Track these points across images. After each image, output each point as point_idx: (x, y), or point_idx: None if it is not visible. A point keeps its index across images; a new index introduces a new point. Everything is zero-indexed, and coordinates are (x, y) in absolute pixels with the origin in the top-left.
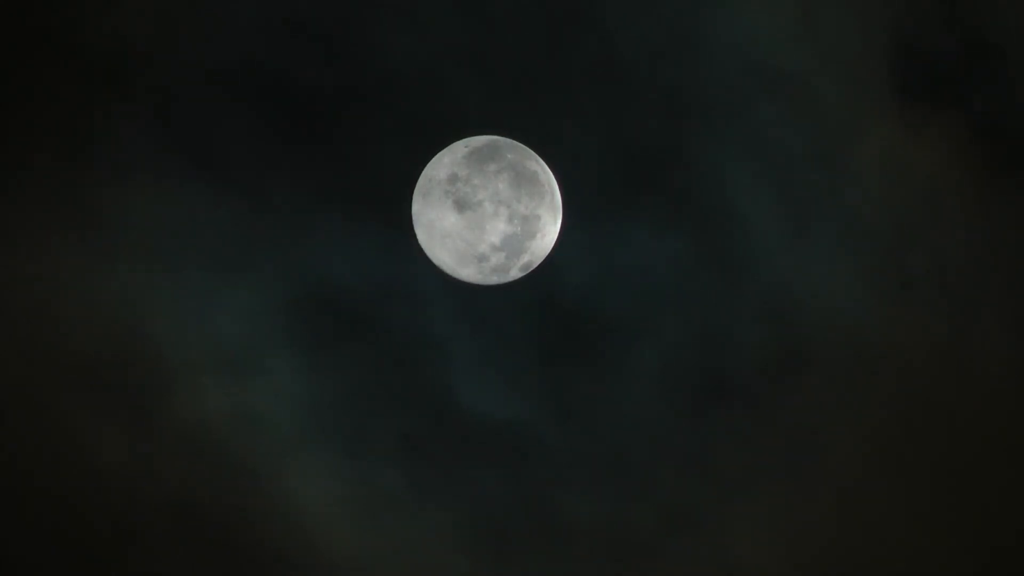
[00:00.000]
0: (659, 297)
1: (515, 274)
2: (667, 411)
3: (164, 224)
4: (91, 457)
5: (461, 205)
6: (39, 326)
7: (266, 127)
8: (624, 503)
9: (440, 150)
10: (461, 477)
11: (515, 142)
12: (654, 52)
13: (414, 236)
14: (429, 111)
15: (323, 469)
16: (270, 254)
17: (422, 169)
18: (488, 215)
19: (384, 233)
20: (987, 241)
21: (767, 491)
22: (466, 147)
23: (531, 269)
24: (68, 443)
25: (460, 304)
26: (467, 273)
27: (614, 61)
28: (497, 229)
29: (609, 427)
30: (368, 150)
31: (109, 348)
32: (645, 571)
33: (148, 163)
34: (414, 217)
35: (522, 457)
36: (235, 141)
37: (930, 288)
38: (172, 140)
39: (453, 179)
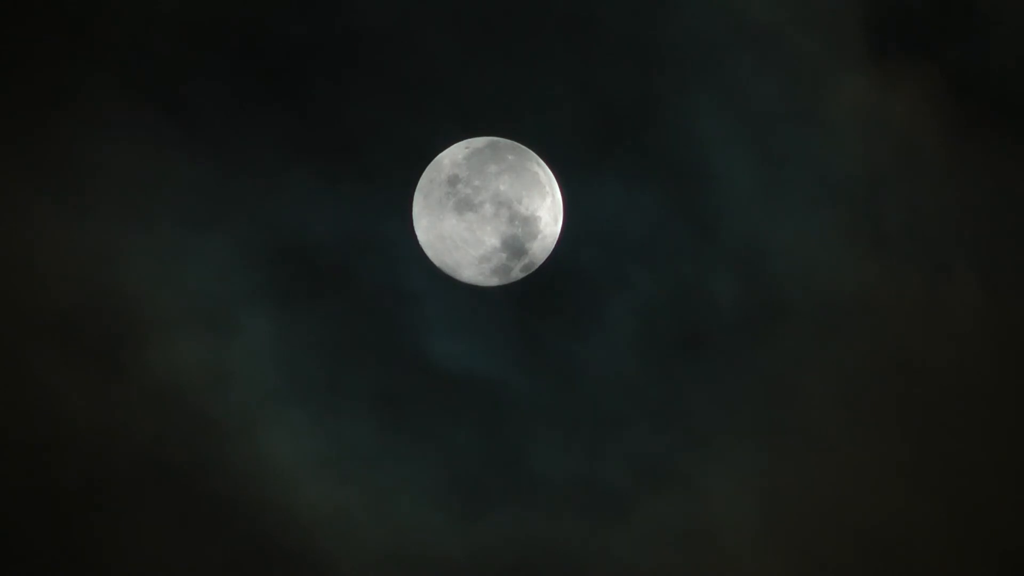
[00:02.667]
0: (633, 251)
1: (516, 275)
2: (641, 365)
3: (138, 179)
4: (63, 410)
5: (462, 207)
6: (11, 280)
7: (241, 83)
8: (598, 456)
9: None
10: (435, 431)
11: (516, 143)
12: (627, 6)
13: (386, 190)
14: (411, 70)
15: (296, 423)
16: (244, 210)
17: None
18: (488, 216)
19: (358, 189)
20: (961, 193)
21: (741, 443)
22: (467, 148)
23: (532, 270)
24: (40, 396)
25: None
26: (468, 274)
27: (587, 16)
28: (498, 230)
29: (583, 381)
30: (343, 106)
31: (82, 302)
32: (618, 524)
33: (122, 118)
34: (415, 219)
35: (496, 411)
36: (209, 97)
37: (904, 241)
38: (146, 95)
39: (454, 180)
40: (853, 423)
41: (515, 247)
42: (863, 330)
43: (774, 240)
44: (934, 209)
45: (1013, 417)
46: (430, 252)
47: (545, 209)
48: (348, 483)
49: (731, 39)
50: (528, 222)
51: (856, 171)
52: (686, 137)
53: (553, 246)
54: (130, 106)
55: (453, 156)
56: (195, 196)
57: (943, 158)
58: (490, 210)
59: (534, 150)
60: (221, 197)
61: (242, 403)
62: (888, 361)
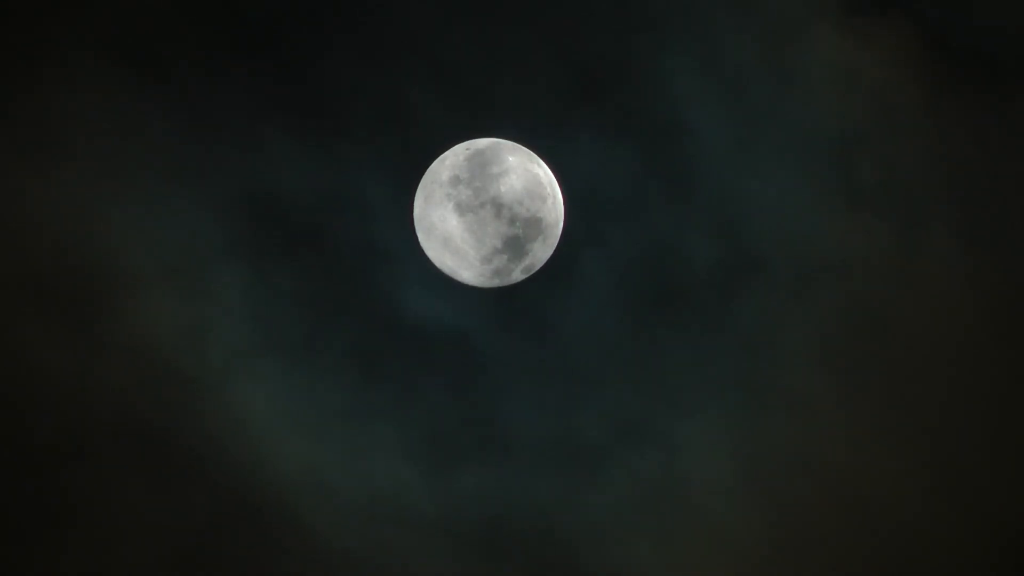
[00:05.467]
0: (608, 209)
1: (517, 276)
2: (617, 322)
3: (111, 134)
4: (36, 367)
5: (462, 208)
6: None
7: (215, 38)
8: (572, 414)
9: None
10: (409, 388)
11: (517, 144)
12: None
13: (362, 146)
14: (384, 25)
15: (270, 379)
16: (218, 166)
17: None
18: (490, 217)
19: (332, 145)
20: (937, 151)
21: (717, 400)
22: (467, 149)
23: (533, 271)
24: (12, 353)
25: (407, 215)
26: (468, 276)
27: None
28: (499, 232)
29: (558, 339)
30: (317, 60)
31: (54, 259)
32: (593, 481)
33: (96, 72)
34: (416, 220)
35: (470, 369)
36: (184, 50)
37: (879, 198)
38: (120, 49)
39: (455, 181)
40: (829, 380)
41: (516, 249)
42: (839, 287)
43: (750, 197)
44: (910, 166)
45: (990, 373)
46: (431, 253)
47: (546, 211)
48: (322, 439)
49: None
50: (529, 224)
51: (832, 128)
52: (661, 95)
53: (554, 247)
54: (102, 62)
55: (454, 158)
56: (168, 152)
57: (919, 115)
58: (491, 211)
59: (507, 111)
60: (195, 153)
61: (216, 359)
62: (864, 318)
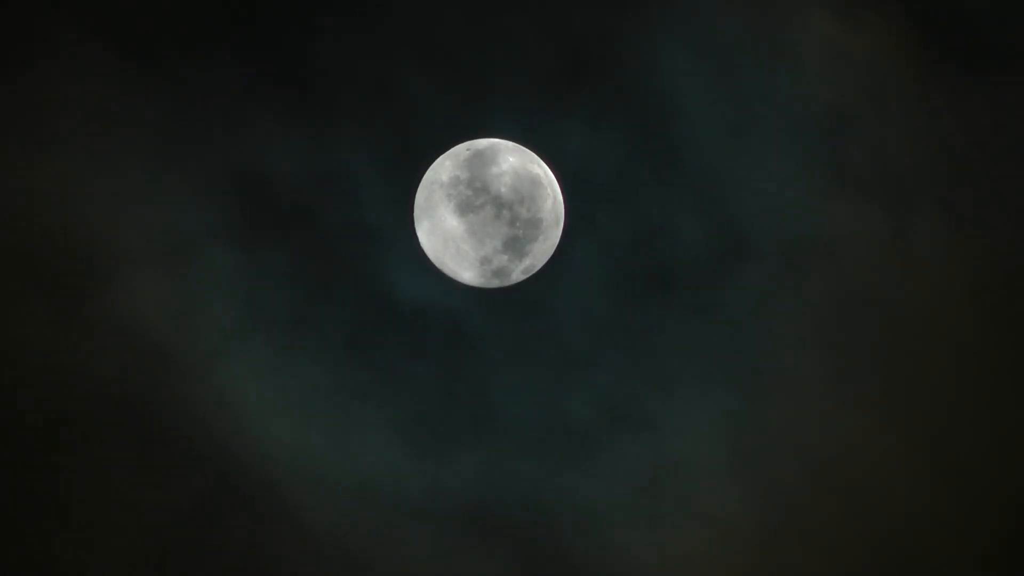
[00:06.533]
0: (597, 190)
1: (517, 277)
2: (607, 305)
3: (99, 115)
4: (22, 348)
5: (463, 209)
6: None
7: (206, 16)
8: (563, 396)
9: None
10: (399, 370)
11: (518, 145)
12: None
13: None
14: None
15: (259, 360)
16: (206, 145)
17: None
18: (490, 218)
19: (321, 125)
20: (927, 132)
21: (708, 382)
22: (468, 150)
23: (533, 272)
24: None
25: (396, 195)
26: (469, 276)
27: None
28: (500, 232)
29: (549, 321)
30: (307, 40)
31: (41, 239)
32: (583, 464)
33: (83, 54)
34: (416, 220)
35: (460, 351)
36: (173, 30)
37: (870, 180)
38: (108, 30)
39: (455, 182)
40: (820, 360)
41: (516, 249)
42: (829, 268)
43: (740, 179)
44: (901, 148)
45: (981, 353)
46: (431, 254)
47: (547, 211)
48: (310, 421)
49: None
50: (529, 224)
51: (822, 110)
52: (650, 76)
53: (554, 248)
54: (89, 44)
55: (455, 158)
56: (157, 132)
57: (910, 96)
58: (491, 212)
59: (497, 89)
60: (182, 132)
61: (204, 341)
62: (854, 298)
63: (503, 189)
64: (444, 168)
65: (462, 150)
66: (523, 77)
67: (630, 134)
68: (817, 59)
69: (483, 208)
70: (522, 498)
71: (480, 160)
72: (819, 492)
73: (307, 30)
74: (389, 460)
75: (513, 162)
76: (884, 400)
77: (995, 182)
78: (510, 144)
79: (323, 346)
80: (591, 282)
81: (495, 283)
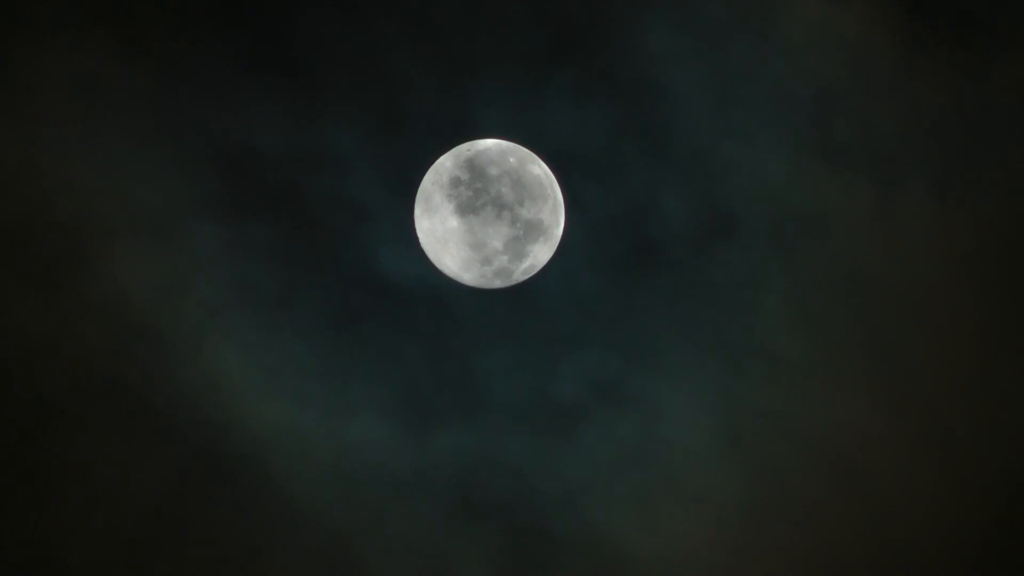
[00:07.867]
0: (584, 168)
1: (518, 277)
2: (594, 283)
3: (84, 91)
4: (7, 325)
5: (463, 209)
6: None
7: None
8: (550, 374)
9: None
10: (386, 348)
11: (518, 146)
12: None
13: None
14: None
15: (245, 337)
16: (191, 122)
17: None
18: (491, 219)
19: (309, 101)
20: (914, 108)
21: (695, 360)
22: (468, 150)
23: (533, 272)
24: None
25: (384, 173)
26: (470, 277)
27: None
28: (500, 233)
29: (535, 298)
30: (294, 15)
31: (26, 216)
32: (570, 442)
33: (68, 29)
34: (416, 221)
35: (447, 328)
36: (156, 4)
37: (857, 156)
38: (90, 4)
39: (455, 183)
40: (808, 339)
41: (517, 250)
42: (817, 245)
43: (727, 156)
44: (888, 124)
45: (969, 329)
46: (432, 255)
47: (547, 212)
48: (297, 398)
49: None
50: (530, 225)
51: (809, 86)
52: (638, 54)
53: (555, 248)
54: (74, 18)
55: (456, 158)
56: (142, 107)
57: (896, 72)
58: (492, 213)
59: (483, 67)
60: (168, 108)
61: (190, 317)
62: (842, 276)
63: (504, 190)
64: (444, 169)
65: (463, 150)
66: (510, 55)
67: (617, 112)
68: (804, 36)
69: (483, 209)
70: (509, 476)
71: (480, 161)
72: (808, 470)
73: (293, 5)
74: (375, 437)
75: (513, 163)
76: (873, 377)
77: (983, 158)
78: (511, 144)
79: (310, 323)
80: (578, 260)
81: (496, 284)
